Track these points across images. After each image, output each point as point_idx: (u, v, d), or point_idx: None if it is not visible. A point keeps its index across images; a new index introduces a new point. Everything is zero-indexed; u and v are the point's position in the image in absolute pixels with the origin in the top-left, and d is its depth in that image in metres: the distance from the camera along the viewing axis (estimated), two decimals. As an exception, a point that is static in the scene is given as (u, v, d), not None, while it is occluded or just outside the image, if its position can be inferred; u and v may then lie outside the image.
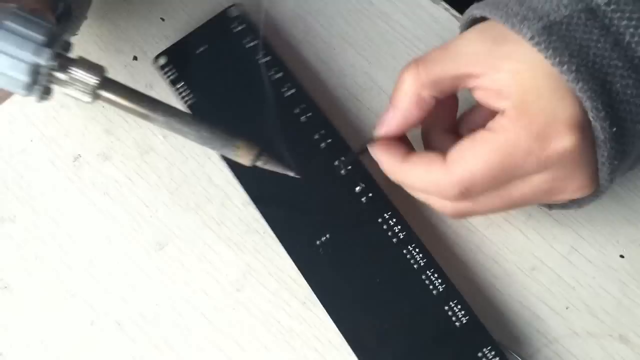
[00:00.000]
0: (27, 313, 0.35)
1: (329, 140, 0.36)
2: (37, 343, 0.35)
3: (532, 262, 0.35)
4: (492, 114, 0.29)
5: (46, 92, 0.28)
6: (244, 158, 0.31)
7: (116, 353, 0.34)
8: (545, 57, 0.27)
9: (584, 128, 0.27)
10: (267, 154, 0.31)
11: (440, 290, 0.33)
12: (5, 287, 0.36)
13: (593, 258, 0.34)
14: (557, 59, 0.27)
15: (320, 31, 0.40)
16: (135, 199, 0.37)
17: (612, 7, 0.28)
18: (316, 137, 0.36)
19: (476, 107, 0.33)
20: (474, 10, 0.31)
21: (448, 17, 0.40)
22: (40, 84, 0.27)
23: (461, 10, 0.40)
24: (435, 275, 0.33)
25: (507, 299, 0.34)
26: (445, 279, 0.33)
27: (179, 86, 0.37)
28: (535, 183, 0.29)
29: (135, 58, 0.40)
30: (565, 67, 0.27)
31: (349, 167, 0.35)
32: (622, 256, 0.34)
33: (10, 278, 0.36)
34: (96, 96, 0.28)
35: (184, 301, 0.35)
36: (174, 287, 0.35)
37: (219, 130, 0.30)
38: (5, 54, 0.26)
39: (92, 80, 0.28)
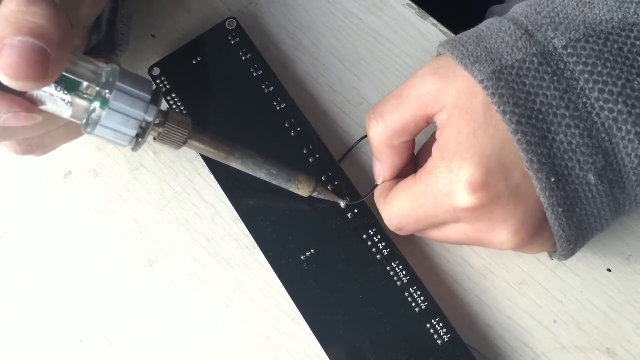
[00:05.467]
0: (17, 330, 0.35)
1: (317, 156, 0.36)
2: (27, 360, 0.35)
3: (521, 276, 0.35)
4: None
5: (141, 144, 0.30)
6: (304, 191, 0.34)
7: (106, 370, 0.35)
8: (492, 103, 0.28)
9: (491, 186, 0.28)
10: (322, 186, 0.35)
11: (423, 307, 0.33)
12: (-5, 305, 0.36)
13: (581, 272, 0.35)
14: (501, 108, 0.28)
15: (309, 47, 0.40)
16: (126, 215, 0.37)
17: (569, 50, 0.28)
18: (305, 151, 0.36)
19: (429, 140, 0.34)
20: (439, 48, 0.31)
21: (436, 33, 0.40)
22: (144, 138, 0.29)
23: (449, 26, 0.40)
24: (419, 292, 0.33)
25: (495, 313, 0.34)
26: (428, 297, 0.33)
27: (170, 98, 0.38)
28: (461, 230, 0.30)
29: (125, 74, 0.40)
30: (508, 117, 0.27)
31: (336, 183, 0.36)
32: (609, 270, 0.35)
33: None
34: (186, 144, 0.31)
35: (173, 318, 0.35)
36: (164, 303, 0.35)
37: (285, 167, 0.33)
38: (119, 112, 0.28)
39: (184, 132, 0.30)
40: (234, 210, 0.36)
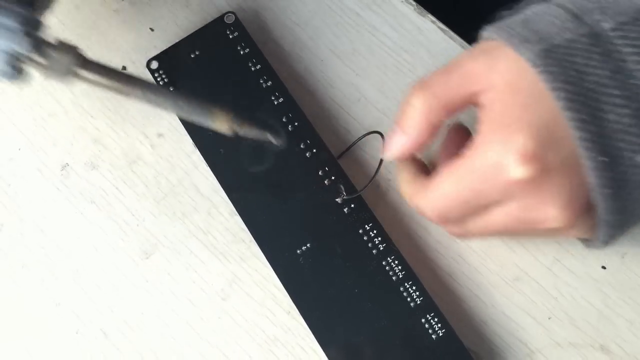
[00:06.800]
0: (13, 321, 0.36)
1: (314, 150, 0.36)
2: (23, 351, 0.35)
3: (516, 272, 0.35)
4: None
5: (24, 76, 0.28)
6: (223, 125, 0.31)
7: (101, 361, 0.35)
8: (541, 81, 0.27)
9: (542, 158, 0.27)
10: (242, 120, 0.32)
11: (418, 302, 0.33)
12: (-9, 295, 0.36)
13: (575, 269, 0.35)
14: (552, 85, 0.27)
15: (307, 42, 0.40)
16: (122, 207, 0.37)
17: (618, 32, 0.28)
18: (302, 146, 0.36)
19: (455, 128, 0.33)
20: (483, 33, 0.31)
21: (434, 30, 0.40)
22: (20, 70, 0.27)
23: (448, 23, 0.40)
24: (414, 287, 0.33)
25: (489, 309, 0.34)
26: (423, 292, 0.33)
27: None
28: (507, 210, 0.30)
29: (124, 68, 0.40)
30: (558, 93, 0.27)
31: (333, 178, 0.36)
32: (604, 267, 0.35)
33: (-4, 286, 0.36)
34: (75, 76, 0.29)
35: (169, 310, 0.35)
36: (160, 295, 0.36)
37: (195, 99, 0.31)
38: None
39: (70, 60, 0.28)
40: (231, 204, 0.36)
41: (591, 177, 0.28)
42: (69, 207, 0.37)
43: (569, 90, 0.27)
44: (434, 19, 0.40)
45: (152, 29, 0.41)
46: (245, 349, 0.34)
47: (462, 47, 0.40)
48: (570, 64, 0.28)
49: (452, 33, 0.40)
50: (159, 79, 0.38)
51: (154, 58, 0.39)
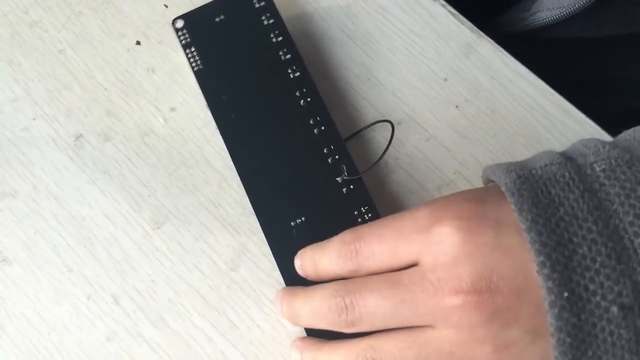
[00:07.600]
0: (25, 286, 0.36)
1: (322, 128, 0.37)
2: (34, 315, 0.36)
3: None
4: None
5: None
6: None
7: (111, 326, 0.35)
8: (509, 201, 0.26)
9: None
10: None
11: None
12: (4, 260, 0.37)
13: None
14: (518, 206, 0.26)
15: (319, 22, 0.41)
16: (135, 178, 0.38)
17: (608, 173, 0.26)
18: (311, 122, 0.37)
19: None
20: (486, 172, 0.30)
21: (445, 13, 0.41)
22: None
23: (457, 7, 0.41)
24: None
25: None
26: None
27: (189, 51, 0.39)
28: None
29: (138, 43, 0.41)
30: (523, 215, 0.25)
31: (337, 157, 0.36)
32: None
33: (9, 251, 0.37)
34: None
35: (179, 278, 0.36)
36: (170, 264, 0.36)
37: None
38: None
39: None
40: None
41: (549, 316, 0.24)
42: (82, 176, 0.38)
43: (533, 212, 0.25)
44: (444, 2, 0.41)
45: (166, 5, 0.42)
46: (253, 318, 0.35)
47: (472, 31, 0.40)
48: (544, 191, 0.26)
49: (462, 17, 0.41)
50: (181, 38, 0.39)
51: (180, 17, 0.39)
